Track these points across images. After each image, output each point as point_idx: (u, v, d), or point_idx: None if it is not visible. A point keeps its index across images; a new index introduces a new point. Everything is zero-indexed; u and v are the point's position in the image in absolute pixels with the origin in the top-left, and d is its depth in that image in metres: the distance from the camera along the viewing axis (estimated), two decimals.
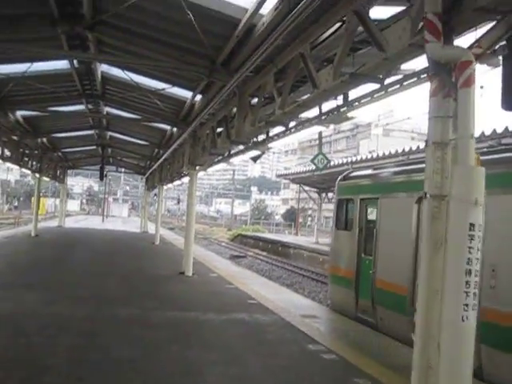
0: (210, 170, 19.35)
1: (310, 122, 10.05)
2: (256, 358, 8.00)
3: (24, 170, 29.91)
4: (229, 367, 7.42)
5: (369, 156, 28.75)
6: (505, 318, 7.54)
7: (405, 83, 7.15)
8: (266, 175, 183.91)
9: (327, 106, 10.27)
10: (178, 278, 16.19)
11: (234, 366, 7.53)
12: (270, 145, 12.71)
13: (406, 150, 22.34)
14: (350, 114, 8.65)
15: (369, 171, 13.84)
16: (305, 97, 8.03)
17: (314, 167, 42.37)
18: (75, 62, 14.08)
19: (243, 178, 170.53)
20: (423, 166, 5.04)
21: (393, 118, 64.22)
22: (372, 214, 11.91)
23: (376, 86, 7.40)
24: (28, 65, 13.62)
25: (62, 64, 14.53)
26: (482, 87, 15.08)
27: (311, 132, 11.37)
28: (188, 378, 6.89)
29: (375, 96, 7.82)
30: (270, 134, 12.65)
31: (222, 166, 19.57)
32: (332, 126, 10.92)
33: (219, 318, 10.66)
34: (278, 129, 12.66)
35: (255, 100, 11.52)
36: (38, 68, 14.49)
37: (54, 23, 10.21)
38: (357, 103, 8.35)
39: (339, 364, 7.98)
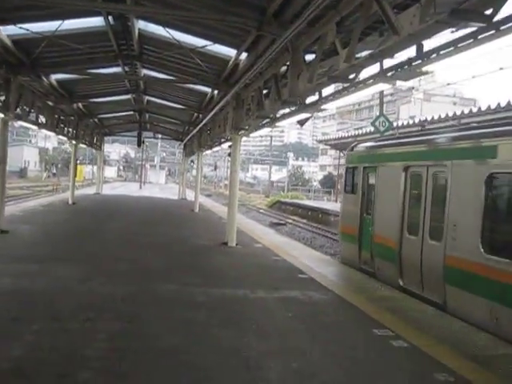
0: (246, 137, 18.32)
1: (374, 79, 8.86)
2: (319, 347, 7.02)
3: (60, 136, 29.31)
4: (290, 359, 6.45)
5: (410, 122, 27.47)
6: (462, 262, 9.43)
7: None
8: (302, 141, 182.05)
9: (388, 62, 9.11)
10: (222, 249, 15.31)
11: (295, 357, 6.55)
12: (323, 106, 11.57)
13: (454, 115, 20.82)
14: (425, 68, 7.43)
15: (370, 143, 16.13)
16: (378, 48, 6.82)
17: (356, 133, 40.93)
18: (110, 18, 13.07)
19: (280, 144, 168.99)
20: (410, 139, 6.75)
21: (434, 83, 61.88)
22: (372, 180, 13.96)
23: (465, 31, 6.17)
24: (59, 22, 12.63)
25: (96, 21, 13.54)
26: None
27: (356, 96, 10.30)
28: (245, 373, 5.94)
29: (460, 45, 6.60)
30: (324, 94, 11.51)
31: (259, 132, 18.53)
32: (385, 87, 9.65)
33: (271, 297, 9.72)
34: (329, 90, 11.58)
35: (308, 57, 10.36)
36: (70, 26, 13.56)
37: None
38: (435, 55, 7.13)
39: (412, 353, 6.95)
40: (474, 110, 20.62)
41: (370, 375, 6.22)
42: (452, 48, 6.76)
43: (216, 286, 10.28)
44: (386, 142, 15.57)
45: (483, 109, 20.44)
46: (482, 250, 8.91)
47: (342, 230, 16.02)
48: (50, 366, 5.75)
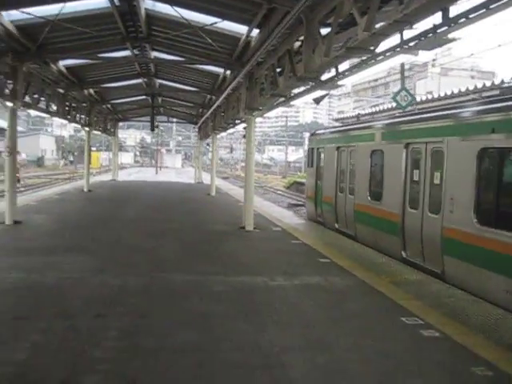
0: (260, 117, 17.80)
1: (394, 50, 8.28)
2: (345, 340, 6.54)
3: (75, 124, 28.98)
4: (314, 354, 5.99)
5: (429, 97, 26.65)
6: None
7: None
8: (318, 121, 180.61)
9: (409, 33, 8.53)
10: (239, 234, 14.87)
11: (320, 352, 6.10)
12: (340, 82, 11.01)
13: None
14: (452, 35, 6.85)
15: (321, 131, 21.52)
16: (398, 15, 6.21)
17: (372, 110, 39.97)
18: None
19: (295, 124, 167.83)
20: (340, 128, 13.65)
21: (451, 56, 60.55)
22: (321, 157, 19.22)
23: None
24: (62, 5, 12.15)
25: (101, 3, 13.05)
26: None
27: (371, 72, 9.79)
28: (267, 372, 5.48)
29: (492, 7, 6.02)
30: (340, 69, 10.94)
31: (273, 112, 17.99)
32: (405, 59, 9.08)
33: (291, 284, 9.27)
34: (345, 66, 11.03)
35: (324, 31, 9.76)
36: (74, 9, 13.08)
37: None
38: (464, 19, 6.54)
39: (444, 344, 6.45)
40: (479, 85, 19.60)
41: (401, 370, 5.73)
42: (483, 10, 6.19)
43: (234, 274, 9.85)
44: (327, 130, 21.05)
45: (497, 82, 19.56)
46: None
47: (306, 195, 21.71)
48: (56, 370, 5.33)
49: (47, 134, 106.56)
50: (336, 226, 16.70)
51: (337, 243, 13.65)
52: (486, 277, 9.14)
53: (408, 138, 12.38)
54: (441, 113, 12.01)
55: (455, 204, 10.15)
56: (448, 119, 11.09)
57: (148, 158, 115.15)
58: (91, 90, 26.25)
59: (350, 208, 15.69)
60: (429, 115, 12.58)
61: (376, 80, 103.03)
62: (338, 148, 17.12)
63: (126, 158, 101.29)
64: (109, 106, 33.55)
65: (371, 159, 14.33)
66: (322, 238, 14.28)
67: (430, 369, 5.78)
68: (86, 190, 28.29)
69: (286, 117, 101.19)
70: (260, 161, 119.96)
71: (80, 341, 6.13)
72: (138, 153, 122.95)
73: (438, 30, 7.09)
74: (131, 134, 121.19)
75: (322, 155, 18.85)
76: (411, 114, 15.48)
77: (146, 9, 13.58)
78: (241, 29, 13.20)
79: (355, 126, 17.74)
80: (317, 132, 21.31)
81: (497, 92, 16.49)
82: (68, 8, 12.60)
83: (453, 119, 10.94)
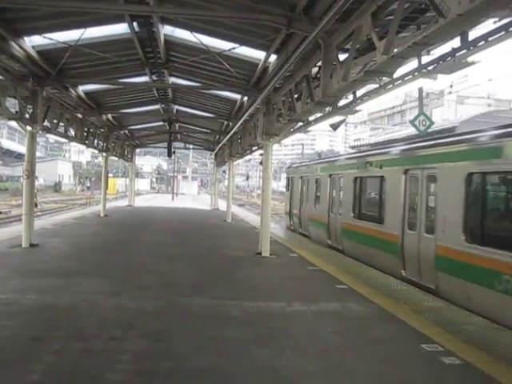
0: (277, 145, 17.82)
1: (413, 75, 8.25)
2: (364, 366, 6.40)
3: (93, 150, 29.18)
4: (333, 382, 5.86)
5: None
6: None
7: None
8: (334, 148, 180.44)
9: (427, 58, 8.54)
10: (255, 260, 14.76)
11: (339, 378, 5.97)
12: (357, 107, 10.98)
13: None
14: (470, 59, 6.80)
15: (294, 165, 29.99)
16: (417, 37, 6.19)
17: (388, 137, 39.94)
18: (135, 25, 12.70)
19: (311, 151, 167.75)
20: (304, 163, 27.25)
21: (467, 83, 60.33)
22: (292, 184, 26.98)
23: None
24: (82, 30, 12.33)
25: (120, 28, 13.21)
26: None
27: (382, 101, 10.13)
28: None
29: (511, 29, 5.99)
30: (358, 95, 10.94)
31: (290, 140, 18.01)
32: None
33: (308, 309, 9.13)
34: (363, 91, 11.01)
35: (342, 56, 9.77)
36: (95, 34, 13.27)
37: None
38: (483, 42, 6.51)
39: (467, 372, 6.29)
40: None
41: None
42: (503, 33, 6.15)
43: (250, 299, 9.72)
44: (297, 165, 28.94)
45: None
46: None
47: (284, 211, 29.21)
48: None
49: (65, 160, 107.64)
50: (300, 230, 24.44)
51: (355, 270, 13.47)
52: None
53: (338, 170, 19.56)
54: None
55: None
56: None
57: (164, 184, 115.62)
58: (109, 116, 26.50)
59: (305, 217, 23.66)
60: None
61: (392, 108, 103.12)
62: (300, 177, 25.01)
63: (142, 184, 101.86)
64: (126, 131, 33.78)
65: (316, 184, 22.18)
66: (339, 265, 14.10)
67: None
68: (102, 214, 28.40)
69: (303, 144, 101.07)
70: (276, 188, 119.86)
71: (94, 363, 6.05)
72: (154, 179, 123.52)
73: (457, 54, 7.07)
74: (148, 161, 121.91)
75: (292, 182, 26.93)
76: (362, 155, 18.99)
77: (165, 34, 13.72)
78: (259, 54, 13.27)
79: (307, 162, 27.54)
80: (291, 166, 30.53)
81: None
82: (88, 33, 12.77)
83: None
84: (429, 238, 11.82)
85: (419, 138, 16.01)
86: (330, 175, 20.04)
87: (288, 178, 28.38)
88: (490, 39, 6.45)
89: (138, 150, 50.75)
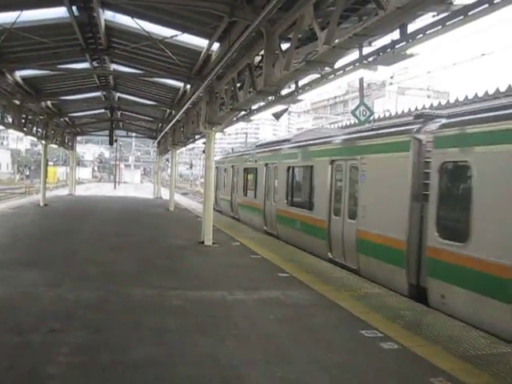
0: (220, 133, 17.84)
1: (354, 66, 8.35)
2: (305, 353, 6.47)
3: (33, 138, 28.41)
4: (274, 367, 5.91)
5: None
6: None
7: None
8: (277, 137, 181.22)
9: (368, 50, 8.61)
10: (198, 249, 14.74)
11: (280, 365, 6.01)
12: (299, 97, 11.04)
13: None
14: (409, 51, 6.93)
15: (224, 156, 35.63)
16: (358, 29, 6.27)
17: (331, 127, 40.43)
18: (74, 9, 12.38)
19: (255, 140, 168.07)
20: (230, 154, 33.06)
21: (408, 74, 61.50)
22: (218, 173, 30.88)
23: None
24: (18, 13, 11.93)
25: (59, 12, 12.81)
26: None
27: (325, 90, 10.32)
28: None
29: (448, 23, 6.13)
30: (300, 84, 11.00)
31: (233, 128, 18.02)
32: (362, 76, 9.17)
33: (250, 298, 9.17)
34: (305, 81, 11.07)
35: (284, 46, 9.80)
36: (32, 18, 12.86)
37: None
38: (421, 35, 6.64)
39: (404, 356, 6.47)
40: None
41: (362, 382, 5.71)
42: (439, 27, 6.29)
43: (192, 289, 9.73)
44: (224, 156, 34.63)
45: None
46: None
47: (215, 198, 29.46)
48: None
49: (2, 148, 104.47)
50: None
51: (296, 259, 13.61)
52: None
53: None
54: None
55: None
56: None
57: (106, 173, 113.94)
58: (48, 103, 25.78)
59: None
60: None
61: (335, 97, 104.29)
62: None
63: (84, 172, 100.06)
64: (67, 119, 33.05)
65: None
66: (281, 253, 14.22)
67: (390, 381, 5.78)
68: (42, 204, 27.72)
69: (246, 133, 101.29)
70: None
71: (32, 357, 5.91)
72: (96, 168, 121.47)
73: (396, 46, 7.19)
74: (90, 149, 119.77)
75: (220, 172, 30.71)
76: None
77: (105, 20, 13.40)
78: (201, 42, 13.16)
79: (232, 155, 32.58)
80: (226, 155, 34.90)
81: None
82: (25, 16, 12.36)
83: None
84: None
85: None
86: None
87: (216, 168, 29.48)
88: (428, 32, 6.56)
89: (79, 138, 49.91)
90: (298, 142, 18.52)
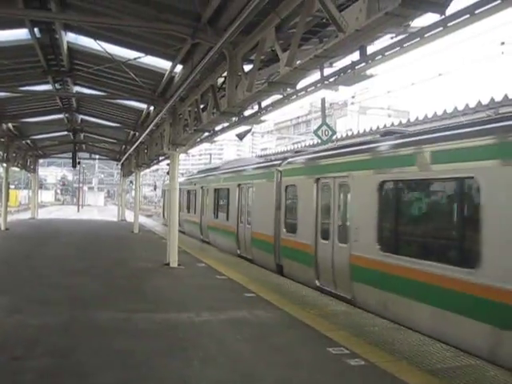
0: (185, 155, 17.86)
1: (315, 86, 8.50)
2: (273, 372, 6.49)
3: None
4: None
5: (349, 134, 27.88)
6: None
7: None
8: (242, 157, 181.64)
9: (329, 70, 8.81)
10: (163, 271, 14.66)
11: None
12: (263, 117, 11.15)
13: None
14: (369, 72, 7.10)
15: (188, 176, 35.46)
16: (318, 50, 6.43)
17: (294, 147, 40.78)
18: (36, 30, 12.32)
19: (219, 161, 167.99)
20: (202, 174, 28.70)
21: (368, 94, 62.55)
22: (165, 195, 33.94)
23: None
24: None
25: (21, 34, 12.74)
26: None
27: (288, 111, 10.56)
28: None
29: (406, 45, 6.31)
30: (263, 105, 11.12)
31: (197, 149, 18.05)
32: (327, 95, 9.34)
33: (217, 319, 9.15)
34: (268, 102, 11.20)
35: (247, 67, 9.91)
36: None
37: None
38: (380, 56, 6.81)
39: (371, 372, 6.55)
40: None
41: None
42: (398, 48, 6.46)
43: (158, 311, 9.65)
44: (191, 176, 32.78)
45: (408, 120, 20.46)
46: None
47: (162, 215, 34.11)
48: None
49: None
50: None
51: (262, 278, 13.63)
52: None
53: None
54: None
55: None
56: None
57: (69, 195, 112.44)
58: (10, 125, 25.41)
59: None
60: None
61: (298, 117, 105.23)
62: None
63: (46, 195, 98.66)
64: (29, 141, 32.62)
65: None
66: (247, 274, 14.23)
67: None
68: (3, 228, 27.25)
69: (210, 154, 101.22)
70: None
71: None
72: (58, 191, 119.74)
73: (357, 67, 7.35)
74: (52, 172, 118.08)
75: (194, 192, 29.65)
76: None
77: (68, 42, 13.39)
78: (165, 64, 13.21)
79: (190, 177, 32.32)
80: (193, 175, 33.68)
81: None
82: None
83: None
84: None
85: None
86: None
87: (163, 191, 34.43)
88: (386, 54, 6.74)
89: (41, 161, 49.18)
90: (223, 169, 24.24)
